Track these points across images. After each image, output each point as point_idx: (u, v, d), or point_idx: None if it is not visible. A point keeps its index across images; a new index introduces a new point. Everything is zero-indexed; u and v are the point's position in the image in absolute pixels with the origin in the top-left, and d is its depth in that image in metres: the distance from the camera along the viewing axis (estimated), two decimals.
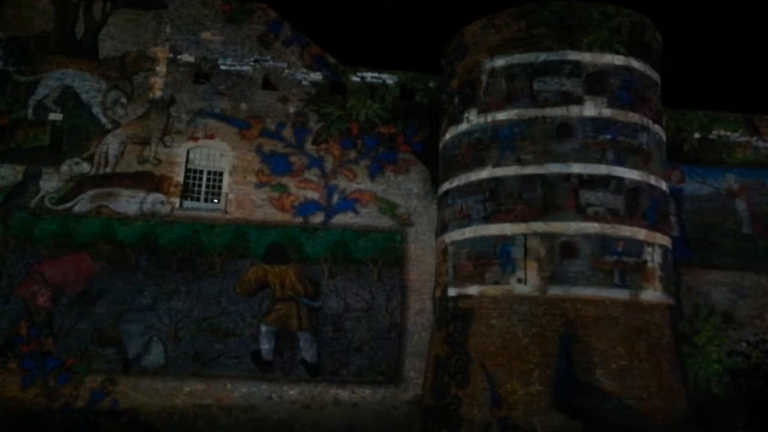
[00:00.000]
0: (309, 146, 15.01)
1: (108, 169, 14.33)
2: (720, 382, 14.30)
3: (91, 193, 14.13)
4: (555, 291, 11.77)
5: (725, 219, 15.71)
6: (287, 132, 15.03)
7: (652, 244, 12.29)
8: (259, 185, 14.64)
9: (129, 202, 14.18)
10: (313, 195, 14.77)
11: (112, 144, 14.46)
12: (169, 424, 13.00)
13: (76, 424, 12.79)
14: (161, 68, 14.97)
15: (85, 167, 14.27)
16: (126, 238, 13.93)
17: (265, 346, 13.72)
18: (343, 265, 14.35)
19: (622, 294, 11.78)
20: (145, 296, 13.65)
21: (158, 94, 14.84)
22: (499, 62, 13.25)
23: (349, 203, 14.82)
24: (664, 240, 12.78)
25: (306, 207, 14.66)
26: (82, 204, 14.04)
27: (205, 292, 13.82)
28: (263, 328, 13.80)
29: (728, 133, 16.37)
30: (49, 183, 14.06)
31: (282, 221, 14.49)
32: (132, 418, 12.97)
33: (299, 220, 14.56)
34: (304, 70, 15.43)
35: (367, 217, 14.78)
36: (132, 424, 12.92)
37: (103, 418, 12.92)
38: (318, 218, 14.63)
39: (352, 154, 15.11)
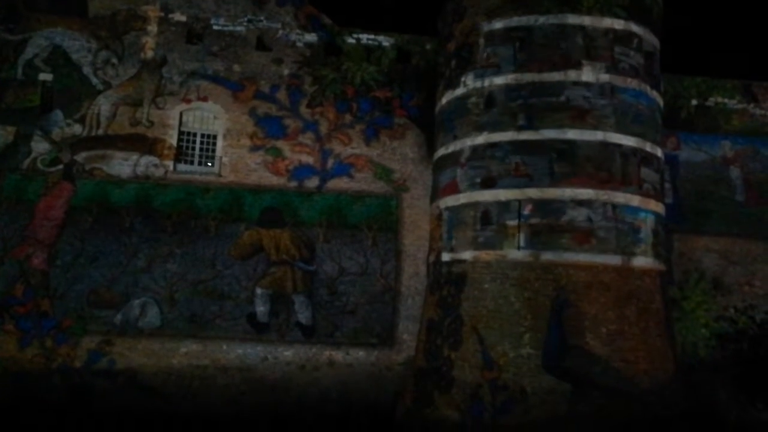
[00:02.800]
0: (303, 109, 14.85)
1: (100, 131, 14.16)
2: (707, 346, 14.59)
3: (83, 155, 14.01)
4: (548, 256, 11.86)
5: (719, 186, 15.75)
6: (281, 94, 14.84)
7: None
8: (254, 148, 14.53)
9: (122, 165, 14.08)
10: (308, 159, 14.69)
11: (103, 105, 14.26)
12: (167, 384, 13.23)
13: (73, 384, 13.00)
14: (152, 27, 14.65)
15: (77, 129, 14.10)
16: (120, 200, 13.88)
17: (261, 308, 13.85)
18: (337, 229, 14.39)
19: (614, 260, 11.90)
20: (140, 259, 13.69)
21: (150, 54, 14.56)
22: (497, 25, 13.03)
23: (344, 168, 14.76)
24: (657, 207, 12.83)
25: (300, 171, 14.59)
26: (75, 166, 13.92)
27: (200, 255, 13.87)
28: (258, 291, 13.91)
29: (725, 100, 16.28)
30: (41, 144, 13.91)
31: (277, 185, 14.44)
32: (129, 378, 13.17)
33: (294, 184, 14.51)
34: (299, 30, 15.13)
35: (362, 181, 14.74)
36: (129, 384, 13.14)
37: (100, 378, 13.12)
38: (313, 182, 14.59)
39: (347, 118, 14.97)
